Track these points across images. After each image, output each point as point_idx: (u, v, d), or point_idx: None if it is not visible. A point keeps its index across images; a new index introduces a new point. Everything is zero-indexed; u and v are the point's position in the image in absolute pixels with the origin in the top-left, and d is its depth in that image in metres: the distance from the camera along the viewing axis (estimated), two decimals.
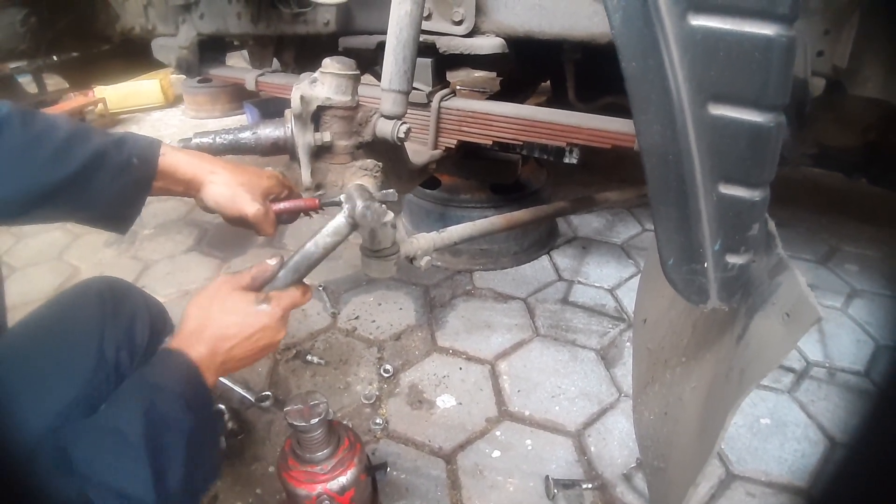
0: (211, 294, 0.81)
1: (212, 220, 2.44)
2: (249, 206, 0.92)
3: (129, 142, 0.86)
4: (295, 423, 0.94)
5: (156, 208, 2.58)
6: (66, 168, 0.78)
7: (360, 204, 0.91)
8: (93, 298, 0.89)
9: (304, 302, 0.87)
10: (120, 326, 0.87)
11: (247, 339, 0.79)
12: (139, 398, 0.67)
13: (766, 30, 0.54)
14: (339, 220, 0.91)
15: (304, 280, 0.90)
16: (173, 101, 4.34)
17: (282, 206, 1.00)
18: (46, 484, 0.59)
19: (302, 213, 1.05)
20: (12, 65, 2.27)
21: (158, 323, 0.96)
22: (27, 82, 2.40)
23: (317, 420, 0.94)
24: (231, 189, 0.92)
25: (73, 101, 3.66)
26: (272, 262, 0.86)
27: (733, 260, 0.66)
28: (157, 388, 0.68)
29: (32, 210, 0.78)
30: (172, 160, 0.90)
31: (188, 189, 0.94)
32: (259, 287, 0.85)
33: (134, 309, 0.92)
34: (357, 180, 1.18)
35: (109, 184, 0.83)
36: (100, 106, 3.84)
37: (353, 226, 0.93)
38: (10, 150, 0.75)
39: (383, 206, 0.95)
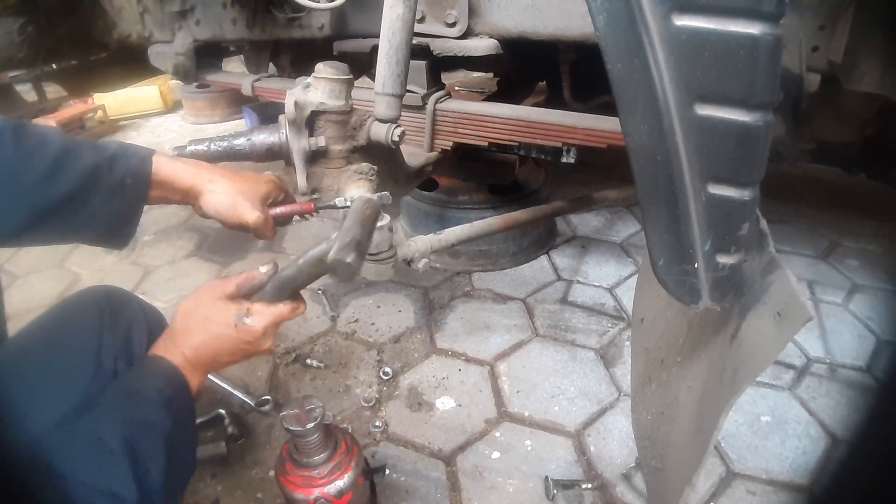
0: (196, 300, 0.81)
1: (212, 226, 2.45)
2: (250, 214, 0.93)
3: (122, 159, 0.86)
4: (291, 428, 0.94)
5: (156, 214, 2.58)
6: (59, 188, 0.78)
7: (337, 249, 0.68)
8: (91, 308, 0.90)
9: (292, 317, 0.84)
10: (118, 336, 0.88)
11: (229, 349, 0.79)
12: (118, 406, 0.70)
13: (751, 28, 0.54)
14: (324, 249, 0.76)
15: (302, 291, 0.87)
16: (172, 107, 4.34)
17: (279, 210, 1.01)
18: (31, 492, 0.59)
19: (298, 217, 1.06)
20: (11, 73, 2.28)
21: (156, 331, 0.95)
22: (26, 90, 2.41)
23: (313, 424, 0.94)
24: (230, 197, 0.93)
25: (73, 108, 3.67)
26: (263, 269, 0.84)
27: (724, 260, 0.65)
28: (137, 395, 0.71)
29: (26, 232, 0.78)
30: (170, 170, 0.91)
31: (186, 198, 0.94)
32: (246, 295, 0.83)
33: (132, 318, 0.93)
34: (353, 184, 1.18)
35: (103, 205, 0.83)
36: (99, 113, 3.85)
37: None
38: (3, 166, 0.75)
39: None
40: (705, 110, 0.58)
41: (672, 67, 0.57)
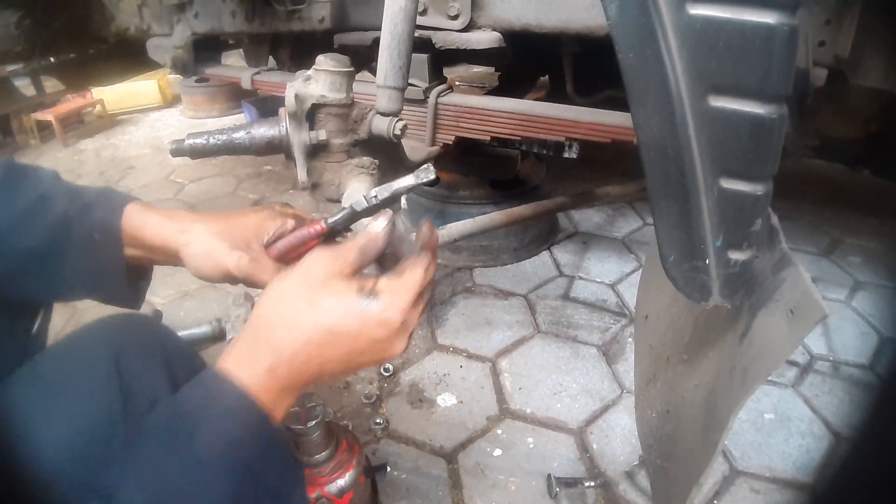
0: (300, 278, 0.56)
1: None
2: (228, 257, 0.68)
3: (94, 209, 0.70)
4: (292, 427, 0.92)
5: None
6: (26, 241, 0.64)
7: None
8: (102, 367, 0.60)
9: (428, 279, 0.58)
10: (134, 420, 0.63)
11: (347, 353, 0.55)
12: (148, 462, 0.48)
13: (767, 18, 0.52)
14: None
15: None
16: (171, 101, 4.32)
17: (280, 245, 0.74)
18: None
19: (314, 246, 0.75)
20: (9, 67, 2.26)
21: (178, 372, 0.66)
22: (24, 85, 2.39)
23: (314, 423, 0.93)
24: (205, 243, 0.69)
25: (72, 103, 3.65)
26: (381, 226, 0.58)
27: (736, 256, 0.64)
28: (180, 447, 0.49)
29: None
30: (138, 223, 0.71)
31: (168, 258, 0.73)
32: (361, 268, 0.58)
33: (153, 382, 0.62)
34: (354, 178, 1.17)
35: (79, 262, 0.69)
36: (98, 107, 3.83)
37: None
38: None
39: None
40: (719, 102, 0.56)
41: (685, 57, 0.55)
